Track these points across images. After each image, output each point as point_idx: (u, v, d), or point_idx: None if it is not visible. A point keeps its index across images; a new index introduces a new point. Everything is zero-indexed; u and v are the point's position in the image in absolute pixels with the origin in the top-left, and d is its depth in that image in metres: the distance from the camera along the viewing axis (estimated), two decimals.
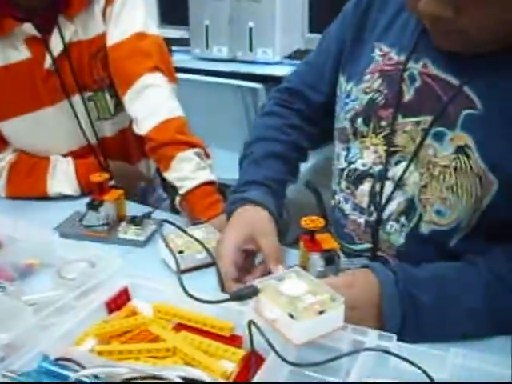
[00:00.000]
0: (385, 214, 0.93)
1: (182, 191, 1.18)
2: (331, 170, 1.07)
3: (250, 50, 2.67)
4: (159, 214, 1.18)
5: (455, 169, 0.85)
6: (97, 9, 1.29)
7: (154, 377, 0.65)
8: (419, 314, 0.79)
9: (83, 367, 0.67)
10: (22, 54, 1.25)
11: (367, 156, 0.95)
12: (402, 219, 0.91)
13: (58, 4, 1.24)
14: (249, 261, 0.94)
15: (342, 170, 1.00)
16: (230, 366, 0.71)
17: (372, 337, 0.72)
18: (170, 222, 1.04)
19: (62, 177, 1.32)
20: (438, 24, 0.79)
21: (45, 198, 1.31)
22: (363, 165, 0.96)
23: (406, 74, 0.91)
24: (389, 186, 0.92)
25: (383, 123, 0.93)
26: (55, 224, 1.14)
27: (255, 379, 0.66)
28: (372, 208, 0.95)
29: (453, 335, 0.79)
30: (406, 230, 0.91)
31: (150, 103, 1.26)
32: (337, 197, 1.02)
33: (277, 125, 1.10)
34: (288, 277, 0.75)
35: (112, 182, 1.21)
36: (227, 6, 2.64)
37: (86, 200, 1.14)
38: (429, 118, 0.88)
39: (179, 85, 1.38)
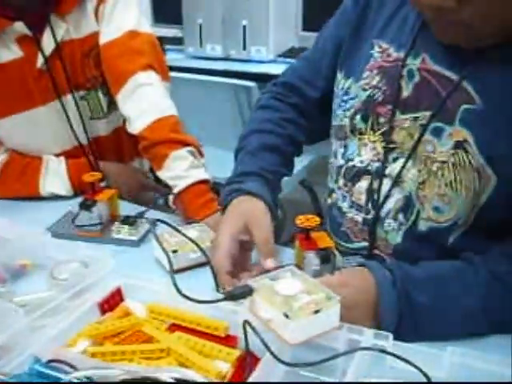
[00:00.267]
0: (383, 212, 0.92)
1: (175, 190, 1.18)
2: (326, 169, 1.07)
3: (244, 48, 2.67)
4: (153, 214, 1.18)
5: (454, 164, 0.85)
6: (89, 7, 1.28)
7: (148, 378, 0.64)
8: (416, 314, 0.79)
9: (76, 369, 0.67)
10: (14, 53, 1.24)
11: (365, 153, 0.95)
12: (400, 217, 0.91)
13: (49, 2, 1.23)
14: (245, 255, 0.93)
15: (340, 167, 1.00)
16: (224, 366, 0.71)
17: (368, 336, 0.71)
18: (163, 222, 1.04)
19: (55, 177, 1.30)
20: (441, 15, 0.79)
21: (37, 197, 1.30)
22: (361, 162, 0.96)
23: (404, 71, 0.90)
24: (386, 184, 0.92)
25: (381, 120, 0.93)
26: (48, 224, 1.14)
27: (250, 379, 0.65)
28: (370, 206, 0.94)
29: (450, 335, 0.79)
30: (403, 228, 0.91)
31: (143, 102, 1.26)
32: (334, 195, 1.02)
33: (273, 118, 1.09)
34: (283, 276, 0.75)
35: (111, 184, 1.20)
36: (221, 5, 2.64)
37: (79, 200, 1.13)
38: (427, 114, 0.87)
39: (173, 83, 1.37)
